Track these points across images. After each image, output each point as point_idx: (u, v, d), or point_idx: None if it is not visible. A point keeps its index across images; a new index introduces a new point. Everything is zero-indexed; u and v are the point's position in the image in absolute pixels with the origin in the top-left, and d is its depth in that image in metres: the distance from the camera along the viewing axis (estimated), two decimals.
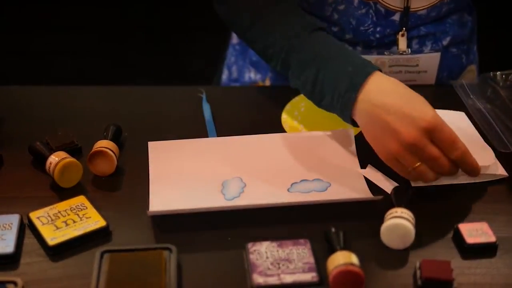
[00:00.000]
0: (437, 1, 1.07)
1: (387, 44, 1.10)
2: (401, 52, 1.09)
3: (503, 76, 1.09)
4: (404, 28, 1.08)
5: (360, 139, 0.95)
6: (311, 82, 0.92)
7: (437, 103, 1.04)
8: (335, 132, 0.97)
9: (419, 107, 0.83)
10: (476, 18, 1.18)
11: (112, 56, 2.38)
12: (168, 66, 2.36)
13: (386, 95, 0.85)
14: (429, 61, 1.11)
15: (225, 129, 0.99)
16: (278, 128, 1.00)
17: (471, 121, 1.01)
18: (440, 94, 1.11)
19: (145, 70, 2.33)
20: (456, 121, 1.01)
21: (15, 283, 0.72)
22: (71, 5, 2.40)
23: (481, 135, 0.98)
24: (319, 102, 0.93)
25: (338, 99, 0.88)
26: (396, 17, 1.07)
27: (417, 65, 1.11)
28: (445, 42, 1.12)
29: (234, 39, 1.26)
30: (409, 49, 1.10)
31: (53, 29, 2.39)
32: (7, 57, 2.32)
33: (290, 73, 0.95)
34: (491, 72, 1.10)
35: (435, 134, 0.82)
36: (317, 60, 0.92)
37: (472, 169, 0.85)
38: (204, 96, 1.06)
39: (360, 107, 0.86)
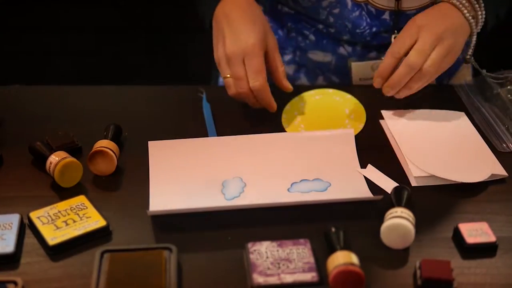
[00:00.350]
0: (428, 2, 1.06)
1: (387, 45, 1.09)
2: None
3: (503, 76, 1.09)
4: (395, 31, 1.07)
5: (360, 139, 0.96)
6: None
7: (437, 103, 1.05)
8: (335, 132, 0.97)
9: (249, 30, 0.97)
10: None
11: (112, 56, 2.38)
12: (168, 66, 2.35)
13: (233, 9, 1.00)
14: None
15: (225, 129, 0.99)
16: (278, 128, 1.00)
17: (471, 121, 1.02)
18: (440, 94, 1.11)
19: (145, 70, 2.33)
20: (456, 121, 1.02)
21: (15, 283, 0.72)
22: (71, 5, 2.39)
23: (481, 135, 0.99)
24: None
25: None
26: (386, 15, 1.07)
27: None
28: None
29: None
30: None
31: (53, 29, 2.39)
32: (7, 57, 2.31)
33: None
34: (491, 72, 1.10)
35: (247, 60, 0.95)
36: None
37: (266, 105, 0.99)
38: (204, 96, 1.06)
39: (215, 13, 1.02)
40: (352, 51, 1.12)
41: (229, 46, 0.96)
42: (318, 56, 1.16)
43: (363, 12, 1.07)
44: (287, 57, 1.19)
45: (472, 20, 0.99)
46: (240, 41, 0.96)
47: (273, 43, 1.00)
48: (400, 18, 1.07)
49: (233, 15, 0.99)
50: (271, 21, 1.17)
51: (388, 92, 0.98)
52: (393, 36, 1.07)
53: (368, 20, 1.07)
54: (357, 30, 1.08)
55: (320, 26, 1.12)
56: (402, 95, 0.98)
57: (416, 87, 0.97)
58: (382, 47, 1.10)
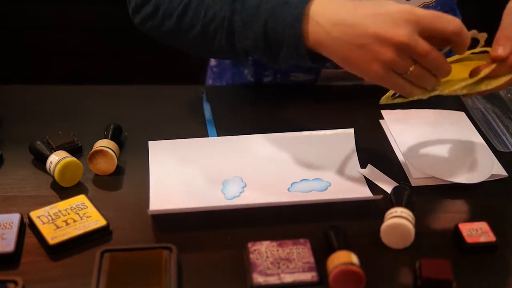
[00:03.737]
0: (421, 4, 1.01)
1: None
2: None
3: None
4: None
5: (360, 139, 0.96)
6: (262, 36, 0.85)
7: (437, 103, 1.05)
8: (335, 132, 0.97)
9: (390, 23, 0.76)
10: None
11: (112, 56, 2.38)
12: (168, 65, 2.36)
13: (336, 11, 0.79)
14: None
15: (225, 129, 0.99)
16: (278, 128, 1.00)
17: (471, 121, 1.02)
18: (440, 94, 1.11)
19: (145, 70, 2.33)
20: (456, 121, 1.02)
21: (15, 282, 0.72)
22: (71, 5, 2.40)
23: (481, 135, 0.99)
24: (277, 55, 0.86)
25: (289, 39, 0.83)
26: None
27: None
28: None
29: (212, 61, 1.26)
30: None
31: (53, 29, 2.39)
32: (7, 56, 2.31)
33: (237, 38, 0.88)
34: None
35: (410, 50, 0.76)
36: (261, 13, 0.85)
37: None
38: (204, 96, 1.06)
39: (315, 31, 0.80)
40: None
41: (396, 36, 0.75)
42: (299, 77, 1.13)
43: None
44: (267, 79, 1.15)
45: None
46: (389, 40, 0.75)
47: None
48: None
49: (342, 16, 0.79)
50: None
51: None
52: None
53: None
54: None
55: None
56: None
57: None
58: None
